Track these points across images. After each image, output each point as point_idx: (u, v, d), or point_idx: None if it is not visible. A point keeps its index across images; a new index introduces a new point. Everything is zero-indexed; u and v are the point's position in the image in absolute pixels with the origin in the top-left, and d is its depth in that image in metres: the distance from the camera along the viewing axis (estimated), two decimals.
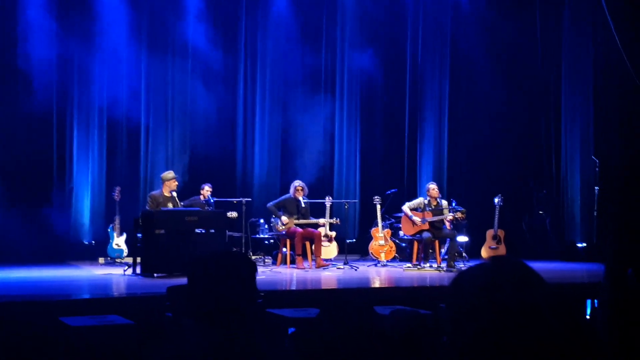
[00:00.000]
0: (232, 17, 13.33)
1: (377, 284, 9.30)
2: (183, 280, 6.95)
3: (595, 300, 7.03)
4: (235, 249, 11.66)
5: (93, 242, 12.26)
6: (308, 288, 8.61)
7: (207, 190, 11.62)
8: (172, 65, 12.92)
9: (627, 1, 12.41)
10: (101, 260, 11.66)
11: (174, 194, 10.60)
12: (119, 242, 11.58)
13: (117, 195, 11.68)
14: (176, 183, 10.61)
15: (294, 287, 8.66)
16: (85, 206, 12.30)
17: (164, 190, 10.56)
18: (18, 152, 11.85)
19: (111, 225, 11.65)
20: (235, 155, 13.34)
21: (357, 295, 7.96)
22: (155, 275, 9.45)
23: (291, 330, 6.28)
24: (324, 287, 8.78)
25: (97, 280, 9.47)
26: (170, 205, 10.44)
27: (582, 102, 13.50)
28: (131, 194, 12.19)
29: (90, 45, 12.25)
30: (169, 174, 10.68)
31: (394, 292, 8.41)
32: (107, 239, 11.67)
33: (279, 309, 6.82)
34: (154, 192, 10.70)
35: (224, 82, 13.22)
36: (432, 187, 11.46)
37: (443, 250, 11.58)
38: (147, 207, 10.44)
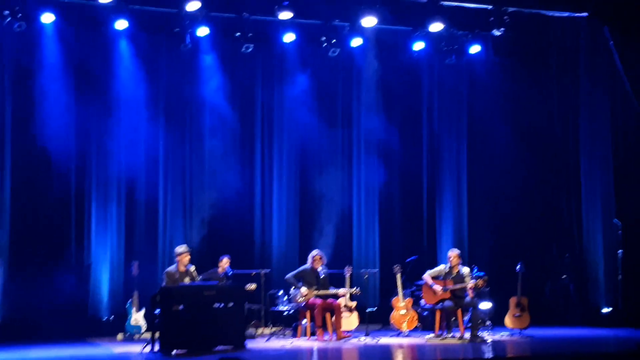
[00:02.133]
0: (249, 89, 13.45)
1: (399, 358, 9.10)
2: None
3: None
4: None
5: (112, 317, 12.16)
6: None
7: (225, 262, 11.60)
8: (190, 138, 13.03)
9: None
10: (120, 336, 11.54)
11: (192, 268, 10.55)
12: (138, 317, 11.47)
13: (135, 270, 11.63)
14: (188, 257, 10.54)
15: None
16: (103, 281, 12.25)
17: (179, 266, 10.51)
18: (36, 228, 11.97)
19: (130, 301, 11.56)
20: (253, 226, 13.31)
21: None
22: (174, 352, 9.33)
23: None
24: None
25: None
26: (187, 280, 10.37)
27: (601, 165, 13.40)
28: (150, 268, 12.12)
29: (107, 121, 12.41)
30: (180, 248, 10.65)
31: None
32: (126, 314, 11.57)
33: None
34: (169, 269, 10.62)
35: (241, 154, 13.28)
36: (453, 254, 11.32)
37: (466, 319, 11.37)
38: (163, 284, 10.37)
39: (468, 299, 11.05)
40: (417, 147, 14.25)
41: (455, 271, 11.21)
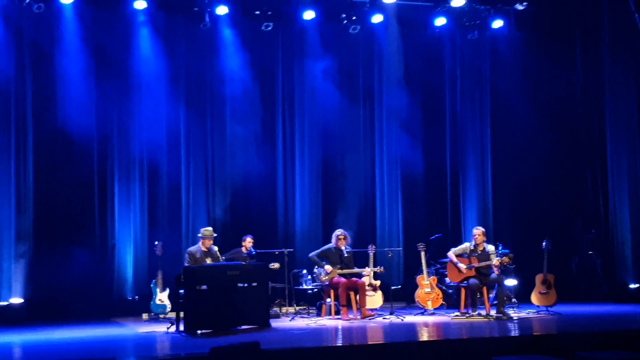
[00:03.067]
0: (269, 68, 13.35)
1: (424, 337, 9.03)
2: (226, 340, 6.77)
3: None
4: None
5: (137, 297, 12.20)
6: (354, 343, 8.37)
7: (248, 241, 11.57)
8: (211, 117, 12.98)
9: None
10: (145, 316, 11.57)
11: (214, 248, 10.55)
12: (162, 297, 11.49)
13: (158, 250, 11.63)
14: (211, 242, 10.56)
15: (339, 343, 8.44)
16: (128, 262, 12.27)
17: (201, 246, 10.49)
18: (60, 210, 12.01)
19: (154, 281, 11.57)
20: (276, 205, 13.25)
21: (404, 350, 7.73)
22: (198, 332, 9.32)
23: None
24: (370, 342, 8.54)
25: (140, 340, 9.34)
26: (208, 260, 10.35)
27: (627, 141, 13.19)
28: (173, 247, 12.12)
29: (128, 101, 12.40)
30: (206, 231, 10.62)
31: (444, 346, 8.14)
32: (151, 294, 11.59)
33: None
34: (191, 249, 10.63)
35: (263, 133, 13.20)
36: (478, 232, 11.20)
37: (492, 296, 11.27)
38: (185, 264, 10.35)
39: (494, 275, 10.94)
40: (440, 124, 14.11)
41: (480, 249, 11.11)
